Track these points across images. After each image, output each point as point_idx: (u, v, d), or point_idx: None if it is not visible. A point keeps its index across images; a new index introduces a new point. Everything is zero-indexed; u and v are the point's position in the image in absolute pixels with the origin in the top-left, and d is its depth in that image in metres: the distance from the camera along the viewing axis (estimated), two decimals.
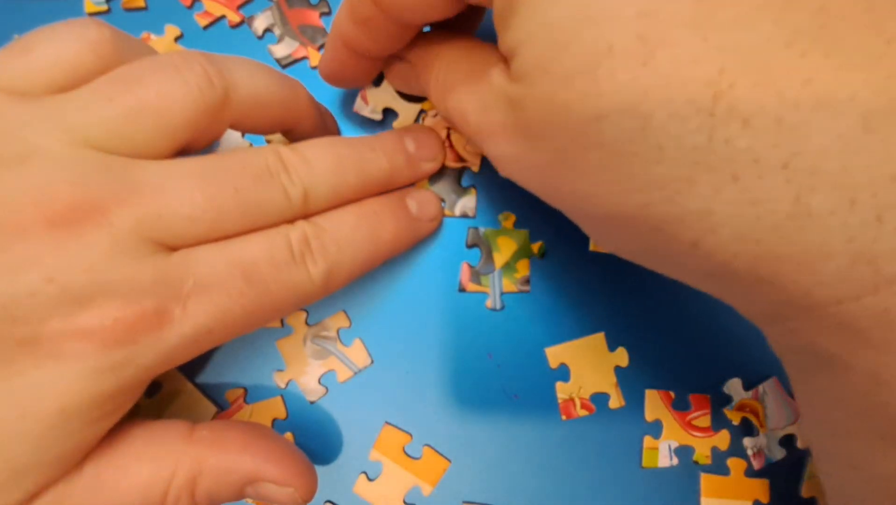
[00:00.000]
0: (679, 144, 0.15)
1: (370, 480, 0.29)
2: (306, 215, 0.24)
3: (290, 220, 0.23)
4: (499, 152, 0.20)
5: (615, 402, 0.30)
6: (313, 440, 0.29)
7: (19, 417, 0.18)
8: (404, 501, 0.29)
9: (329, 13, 0.32)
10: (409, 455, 0.29)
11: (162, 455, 0.21)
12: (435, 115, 0.31)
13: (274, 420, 0.29)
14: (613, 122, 0.15)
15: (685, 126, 0.14)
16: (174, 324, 0.20)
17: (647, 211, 0.16)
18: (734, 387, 0.30)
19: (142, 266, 0.19)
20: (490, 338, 0.30)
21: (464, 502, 0.29)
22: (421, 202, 0.28)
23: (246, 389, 0.30)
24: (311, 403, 0.29)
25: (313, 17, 0.32)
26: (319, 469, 0.29)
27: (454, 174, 0.31)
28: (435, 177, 0.30)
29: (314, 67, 0.32)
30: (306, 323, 0.30)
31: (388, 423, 0.29)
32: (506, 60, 0.19)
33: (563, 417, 0.30)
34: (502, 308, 0.30)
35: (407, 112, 0.31)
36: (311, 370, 0.30)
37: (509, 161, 0.20)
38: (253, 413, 0.29)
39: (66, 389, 0.18)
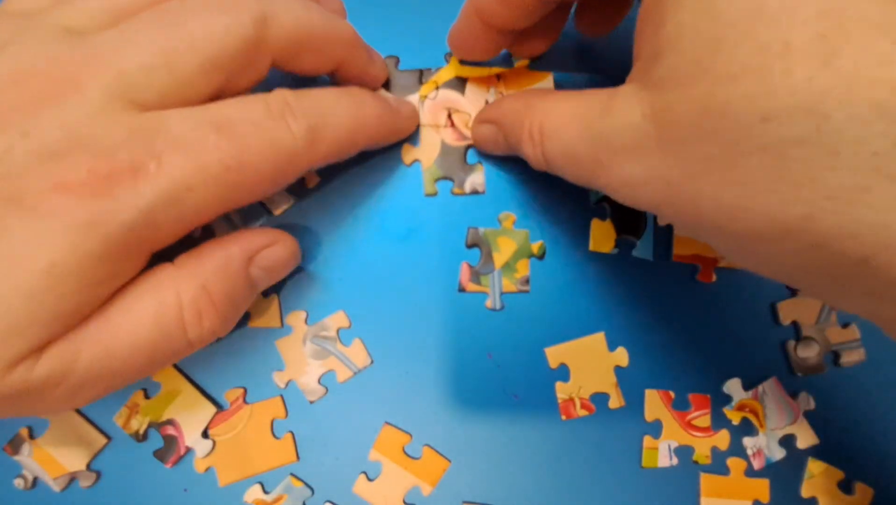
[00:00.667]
0: (858, 150, 0.14)
1: (370, 480, 0.29)
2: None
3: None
4: (624, 176, 0.20)
5: (615, 402, 0.30)
6: (313, 440, 0.29)
7: (9, 273, 0.19)
8: (404, 501, 0.29)
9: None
10: (408, 455, 0.29)
11: (158, 286, 0.22)
12: (435, 98, 0.31)
13: (273, 420, 0.29)
14: (783, 124, 0.14)
15: (867, 129, 0.14)
16: (150, 178, 0.20)
17: (810, 224, 0.15)
18: (734, 387, 0.30)
19: (115, 124, 0.20)
20: (490, 338, 0.30)
21: (464, 502, 0.29)
22: (398, 99, 0.30)
23: (245, 389, 0.29)
24: (311, 402, 0.29)
25: None
26: (320, 469, 0.29)
27: (459, 153, 0.31)
28: (440, 157, 0.31)
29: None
30: (306, 323, 0.30)
31: (387, 423, 0.29)
32: (633, 78, 0.19)
33: (563, 417, 0.29)
34: (502, 308, 0.30)
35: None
36: (310, 370, 0.29)
37: (638, 182, 0.19)
38: (253, 413, 0.29)
39: (52, 245, 0.19)
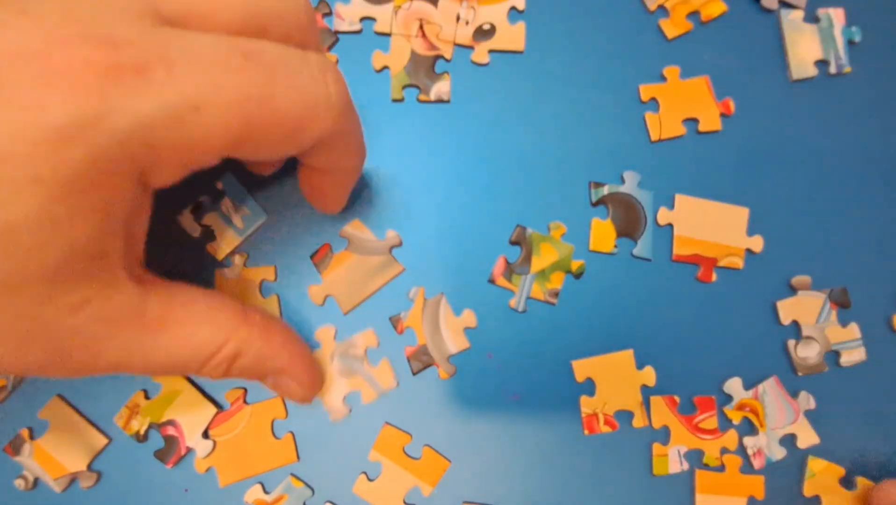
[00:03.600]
0: None
1: (370, 480, 0.29)
2: None
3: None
4: None
5: (639, 420, 0.30)
6: (314, 440, 0.29)
7: None
8: (404, 502, 0.29)
9: (330, 13, 0.33)
10: (409, 455, 0.29)
11: (221, 325, 0.23)
12: (408, 9, 0.32)
13: (274, 420, 0.29)
14: None
15: None
16: (155, 84, 0.17)
17: None
18: (734, 386, 0.30)
19: (127, 19, 0.18)
20: (502, 336, 0.30)
21: (464, 502, 0.29)
22: None
23: (245, 390, 0.29)
24: (333, 421, 0.29)
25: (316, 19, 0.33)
26: (320, 469, 0.29)
27: (428, 62, 0.32)
28: (409, 65, 0.32)
29: None
30: (335, 339, 0.30)
31: (388, 423, 0.29)
32: None
33: (586, 432, 0.29)
34: (524, 311, 0.30)
35: (382, 15, 0.33)
36: (336, 388, 0.29)
37: None
38: (253, 413, 0.29)
39: (34, 150, 0.16)
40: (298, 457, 0.29)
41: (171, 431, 0.29)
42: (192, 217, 0.30)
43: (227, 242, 0.30)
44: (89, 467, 0.29)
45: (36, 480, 0.29)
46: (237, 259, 0.30)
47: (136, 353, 0.21)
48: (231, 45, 0.19)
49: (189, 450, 0.29)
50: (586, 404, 0.30)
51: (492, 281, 0.30)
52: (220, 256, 0.30)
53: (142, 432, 0.29)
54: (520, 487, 0.29)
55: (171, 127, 0.18)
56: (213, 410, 0.29)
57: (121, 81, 0.17)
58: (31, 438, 0.29)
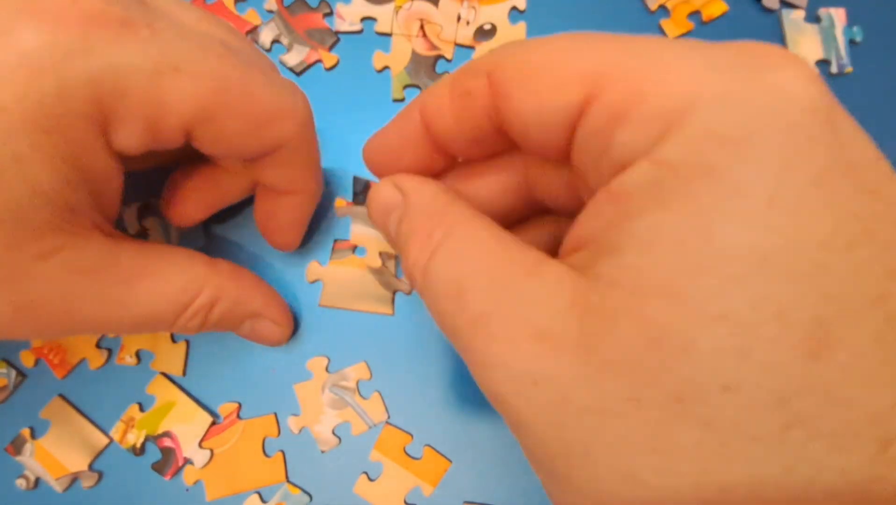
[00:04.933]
0: (816, 477, 0.12)
1: (371, 480, 0.29)
2: None
3: None
4: (507, 363, 0.15)
5: None
6: (314, 440, 0.29)
7: None
8: (405, 502, 0.29)
9: (331, 13, 0.33)
10: (409, 455, 0.29)
11: (194, 274, 0.24)
12: (409, 9, 0.32)
13: (265, 438, 0.29)
14: (745, 404, 0.12)
15: (838, 459, 0.12)
16: (137, 39, 0.18)
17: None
18: None
19: None
20: None
21: (465, 502, 0.29)
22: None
23: (239, 405, 0.29)
24: (323, 452, 0.29)
25: (317, 19, 0.33)
26: (320, 470, 0.29)
27: (429, 62, 0.32)
28: (410, 65, 0.32)
29: (329, 69, 0.32)
30: (327, 370, 0.30)
31: (388, 423, 0.29)
32: (569, 259, 0.16)
33: None
34: None
35: (383, 15, 0.33)
36: (326, 419, 0.29)
37: (521, 380, 0.14)
38: (245, 429, 0.29)
39: (5, 80, 0.16)
40: (287, 477, 0.29)
41: (167, 442, 0.29)
42: (136, 213, 0.30)
43: None
44: (90, 467, 0.29)
45: (37, 480, 0.29)
46: None
47: (112, 306, 0.21)
48: (212, 36, 0.20)
49: (187, 460, 0.29)
50: None
51: None
52: None
53: (138, 445, 0.29)
54: (520, 487, 0.29)
55: (146, 79, 0.18)
56: (208, 419, 0.29)
57: (105, 28, 0.17)
58: (33, 437, 0.29)
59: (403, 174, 0.21)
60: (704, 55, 0.14)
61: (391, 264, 0.30)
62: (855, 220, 0.12)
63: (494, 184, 0.21)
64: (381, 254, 0.30)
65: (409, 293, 0.30)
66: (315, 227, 0.31)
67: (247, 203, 0.30)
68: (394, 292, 0.30)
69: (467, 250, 0.17)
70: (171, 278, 0.23)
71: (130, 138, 0.20)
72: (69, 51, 0.17)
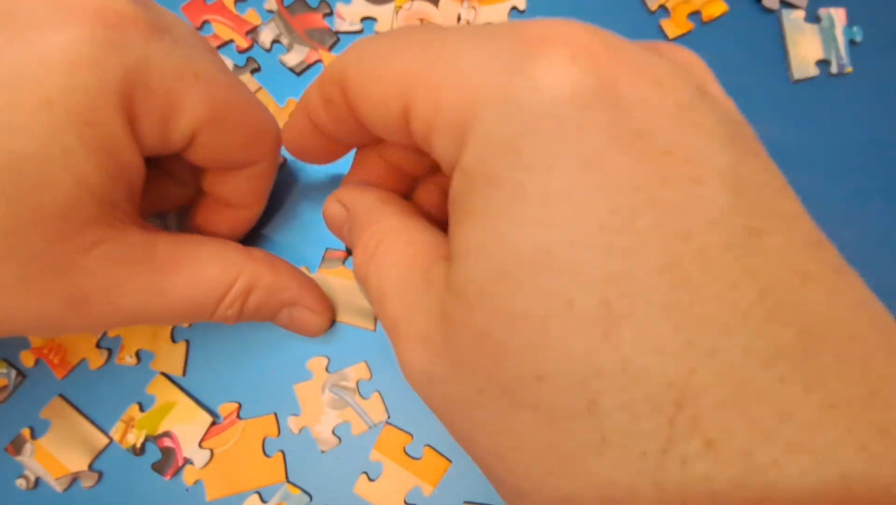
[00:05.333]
0: (626, 443, 0.13)
1: (371, 480, 0.29)
2: None
3: None
4: (409, 362, 0.17)
5: None
6: (314, 440, 0.29)
7: (6, 107, 0.17)
8: (405, 502, 0.29)
9: (331, 13, 0.33)
10: (409, 455, 0.29)
11: (229, 262, 0.24)
12: (409, 9, 0.32)
13: (265, 438, 0.29)
14: (555, 389, 0.13)
15: (637, 424, 0.12)
16: (164, 42, 0.19)
17: None
18: None
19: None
20: None
21: (465, 502, 0.29)
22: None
23: (240, 405, 0.29)
24: (323, 452, 0.29)
25: (317, 19, 0.33)
26: (320, 470, 0.29)
27: None
28: None
29: None
30: (327, 370, 0.30)
31: (388, 423, 0.29)
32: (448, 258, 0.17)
33: None
34: None
35: (383, 15, 0.33)
36: (326, 419, 0.29)
37: (420, 378, 0.17)
38: (245, 429, 0.29)
39: (47, 72, 0.17)
40: (287, 477, 0.29)
41: (167, 442, 0.29)
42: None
43: None
44: (90, 467, 0.29)
45: (37, 480, 0.29)
46: None
47: (153, 296, 0.22)
48: (216, 52, 0.23)
49: (187, 460, 0.29)
50: None
51: None
52: None
53: (138, 445, 0.29)
54: None
55: (170, 80, 0.19)
56: (208, 419, 0.29)
57: (137, 28, 0.18)
58: (33, 437, 0.29)
59: (347, 188, 0.24)
60: (489, 51, 0.15)
61: None
62: (634, 191, 0.13)
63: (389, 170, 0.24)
64: None
65: None
66: (308, 235, 0.31)
67: None
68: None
69: (389, 261, 0.19)
70: (208, 266, 0.23)
71: (146, 136, 0.20)
72: (107, 46, 0.18)
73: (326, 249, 0.30)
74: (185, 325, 0.30)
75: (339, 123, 0.21)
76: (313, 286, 0.28)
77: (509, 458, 0.15)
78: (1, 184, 0.17)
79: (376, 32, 0.33)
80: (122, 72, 0.18)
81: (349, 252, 0.30)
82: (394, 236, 0.20)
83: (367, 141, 0.23)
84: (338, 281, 0.30)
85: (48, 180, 0.18)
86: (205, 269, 0.23)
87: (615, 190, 0.13)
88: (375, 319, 0.30)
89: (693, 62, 0.17)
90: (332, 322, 0.30)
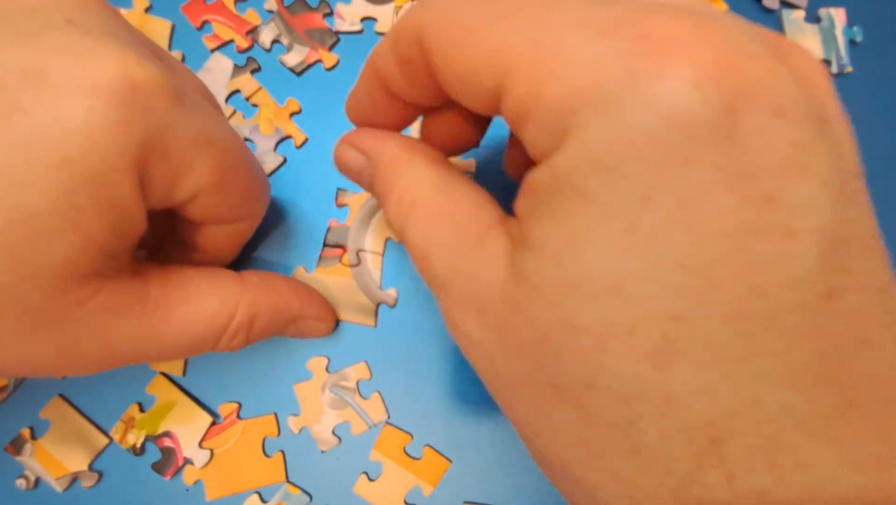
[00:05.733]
0: (655, 459, 0.14)
1: (371, 480, 0.29)
2: None
3: None
4: (460, 327, 0.18)
5: None
6: (315, 440, 0.29)
7: (24, 164, 0.17)
8: (405, 502, 0.29)
9: (331, 13, 0.33)
10: (409, 455, 0.29)
11: (225, 295, 0.24)
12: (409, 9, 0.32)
13: (265, 438, 0.29)
14: (600, 399, 0.14)
15: (669, 448, 0.14)
16: (184, 110, 0.20)
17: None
18: None
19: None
20: None
21: (465, 502, 0.29)
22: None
23: (240, 405, 0.29)
24: (323, 452, 0.29)
25: (317, 19, 0.33)
26: (320, 470, 0.29)
27: None
28: None
29: (329, 69, 0.32)
30: (327, 370, 0.30)
31: (388, 423, 0.29)
32: (511, 227, 0.17)
33: None
34: None
35: (383, 15, 0.33)
36: (326, 419, 0.29)
37: (469, 339, 0.18)
38: (245, 429, 0.29)
39: (70, 134, 0.17)
40: (287, 477, 0.29)
41: (167, 442, 0.29)
42: None
43: None
44: (91, 467, 0.29)
45: (37, 480, 0.29)
46: None
47: (148, 340, 0.22)
48: (222, 111, 0.23)
49: (187, 460, 0.29)
50: None
51: None
52: None
53: (138, 446, 0.29)
54: (520, 487, 0.29)
55: (185, 145, 0.20)
56: (208, 419, 0.29)
57: (164, 96, 0.19)
58: (33, 437, 0.29)
59: (363, 132, 0.23)
60: (603, 47, 0.14)
61: (369, 260, 0.30)
62: (724, 237, 0.13)
63: (462, 119, 0.23)
64: (358, 253, 0.30)
65: (392, 306, 0.30)
66: (305, 234, 0.31)
67: None
68: (378, 304, 0.30)
69: (430, 219, 0.19)
70: (204, 303, 0.23)
71: (154, 195, 0.21)
72: (132, 111, 0.18)
73: (323, 249, 0.31)
74: (192, 356, 0.30)
75: (417, 86, 0.20)
76: (313, 295, 0.28)
77: (544, 436, 0.16)
78: (6, 240, 0.17)
79: (376, 33, 0.33)
80: (142, 137, 0.18)
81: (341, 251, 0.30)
82: (431, 192, 0.20)
83: (443, 104, 0.21)
84: (336, 280, 0.30)
85: (56, 237, 0.18)
86: (200, 306, 0.23)
87: (705, 234, 0.13)
88: (376, 316, 0.30)
89: (815, 75, 0.16)
90: (337, 322, 0.30)
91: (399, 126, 0.23)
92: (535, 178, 0.16)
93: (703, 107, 0.13)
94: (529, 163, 0.21)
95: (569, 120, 0.14)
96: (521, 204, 0.17)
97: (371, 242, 0.30)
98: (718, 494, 0.13)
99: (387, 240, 0.30)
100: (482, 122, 0.23)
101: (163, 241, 0.27)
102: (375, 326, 0.30)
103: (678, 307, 0.13)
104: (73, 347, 0.20)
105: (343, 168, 0.24)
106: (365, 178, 0.23)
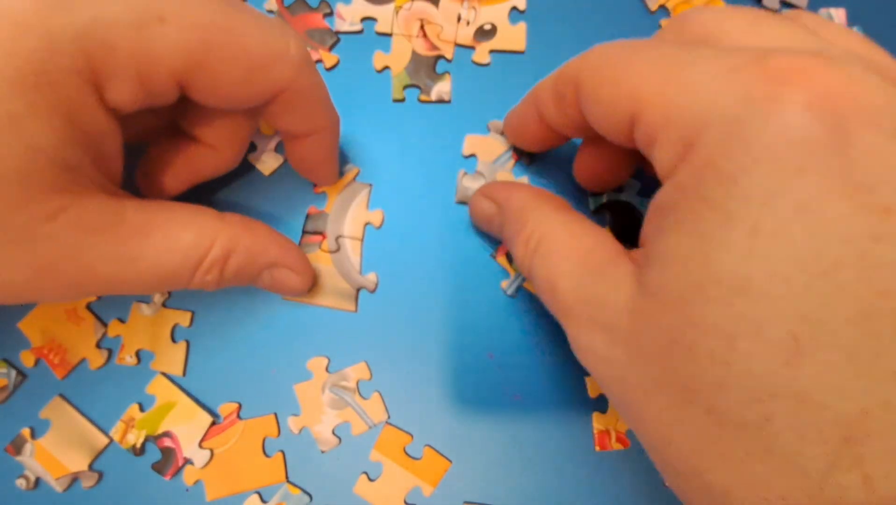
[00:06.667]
0: (790, 459, 0.14)
1: (371, 480, 0.29)
2: None
3: None
4: (586, 342, 0.20)
5: None
6: (314, 440, 0.29)
7: None
8: (405, 502, 0.29)
9: (331, 13, 0.33)
10: (409, 455, 0.29)
11: (203, 227, 0.23)
12: (409, 9, 0.32)
13: (265, 438, 0.29)
14: (732, 399, 0.15)
15: (803, 447, 0.14)
16: None
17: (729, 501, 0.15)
18: None
19: None
20: (494, 325, 0.30)
21: (465, 503, 0.29)
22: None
23: (240, 405, 0.29)
24: (323, 452, 0.29)
25: (317, 19, 0.33)
26: (320, 470, 0.29)
27: (429, 62, 0.32)
28: (410, 65, 0.32)
29: (329, 69, 0.32)
30: (327, 370, 0.30)
31: (388, 423, 0.29)
32: (635, 255, 0.19)
33: (597, 448, 0.29)
34: (513, 296, 0.30)
35: (383, 15, 0.33)
36: (326, 419, 0.29)
37: (597, 357, 0.19)
38: (245, 429, 0.29)
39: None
40: (287, 477, 0.29)
41: (167, 442, 0.29)
42: None
43: None
44: (91, 467, 0.29)
45: (37, 480, 0.29)
46: (157, 297, 0.30)
47: (124, 264, 0.21)
48: None
49: (187, 460, 0.29)
50: (598, 421, 0.29)
51: (493, 256, 0.30)
52: None
53: (138, 445, 0.29)
54: (520, 488, 0.29)
55: (132, 31, 0.19)
56: (208, 419, 0.29)
57: None
58: (33, 437, 0.29)
59: (494, 185, 0.27)
60: (727, 79, 0.15)
61: (348, 246, 0.30)
62: (844, 242, 0.13)
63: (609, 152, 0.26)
64: (337, 239, 0.30)
65: (373, 291, 0.30)
66: (284, 219, 0.31)
67: (223, 185, 0.31)
68: (357, 289, 0.30)
69: (556, 255, 0.22)
70: (182, 232, 0.23)
71: (123, 94, 0.20)
72: (53, 6, 0.17)
73: (302, 235, 0.30)
74: (163, 293, 0.30)
75: (565, 117, 0.23)
76: (293, 247, 0.27)
77: (675, 443, 0.17)
78: None
79: (376, 33, 0.33)
80: (72, 32, 0.17)
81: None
82: (556, 233, 0.22)
83: (583, 136, 0.26)
84: (316, 266, 0.30)
85: None
86: (177, 234, 0.22)
87: (825, 237, 0.14)
88: (356, 301, 0.30)
89: None
90: (314, 282, 0.29)
91: (543, 147, 0.28)
92: (660, 197, 0.17)
93: (813, 124, 0.14)
94: (599, 167, 0.27)
95: (692, 138, 0.16)
96: (647, 227, 0.18)
97: (350, 228, 0.30)
98: (855, 495, 0.13)
99: (365, 225, 0.30)
100: (625, 158, 0.26)
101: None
102: (356, 310, 0.30)
103: (804, 307, 0.14)
104: (49, 266, 0.20)
105: (477, 215, 0.28)
106: (496, 224, 0.26)
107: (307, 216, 0.31)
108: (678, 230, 0.16)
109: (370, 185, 0.31)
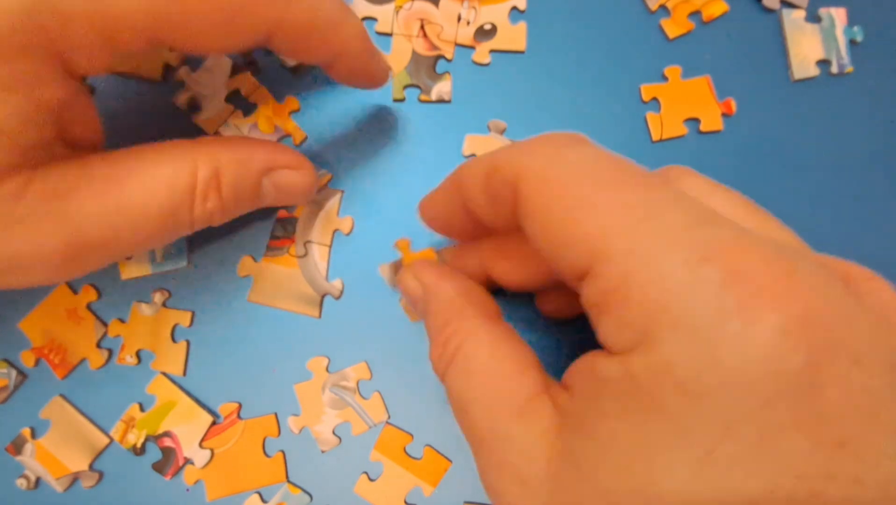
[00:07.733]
0: None
1: (371, 480, 0.29)
2: None
3: None
4: (501, 492, 0.18)
5: None
6: (315, 440, 0.29)
7: None
8: (405, 502, 0.29)
9: None
10: (410, 455, 0.29)
11: (178, 156, 0.22)
12: (409, 9, 0.32)
13: (266, 438, 0.29)
14: None
15: None
16: None
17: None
18: None
19: None
20: None
21: (465, 503, 0.29)
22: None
23: (240, 405, 0.29)
24: (323, 452, 0.29)
25: None
26: (321, 470, 0.29)
27: (429, 62, 0.32)
28: (410, 65, 0.32)
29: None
30: (327, 370, 0.30)
31: (388, 423, 0.29)
32: (557, 397, 0.18)
33: None
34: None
35: (383, 15, 0.33)
36: (326, 419, 0.29)
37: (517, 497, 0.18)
38: (245, 429, 0.29)
39: None
40: (288, 476, 0.29)
41: (167, 442, 0.29)
42: None
43: (138, 267, 0.30)
44: (91, 467, 0.29)
45: (38, 480, 0.29)
46: (157, 297, 0.30)
47: (113, 217, 0.21)
48: None
49: (187, 460, 0.29)
50: None
51: None
52: (124, 276, 0.30)
53: (138, 445, 0.29)
54: None
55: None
56: (209, 419, 0.29)
57: None
58: (33, 437, 0.29)
59: (426, 267, 0.25)
60: (696, 274, 0.14)
61: (315, 252, 0.30)
62: (798, 478, 0.13)
63: (524, 261, 0.23)
64: (305, 244, 0.30)
65: (338, 297, 0.30)
66: (253, 223, 0.30)
67: None
68: (323, 295, 0.30)
69: (470, 371, 0.20)
70: (156, 169, 0.21)
71: (91, 59, 0.19)
72: None
73: (271, 238, 0.30)
74: (164, 293, 0.30)
75: (499, 217, 0.20)
76: (278, 145, 0.25)
77: None
78: None
79: (376, 33, 0.33)
80: (21, 9, 0.17)
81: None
82: (475, 343, 0.20)
83: (513, 229, 0.21)
84: (282, 270, 0.30)
85: None
86: (153, 171, 0.21)
87: (779, 472, 0.13)
88: (320, 307, 0.30)
89: (890, 308, 0.17)
90: (316, 178, 0.27)
91: (467, 236, 0.25)
92: (604, 367, 0.16)
93: (790, 355, 0.13)
94: (563, 304, 0.25)
95: (654, 331, 0.14)
96: (579, 382, 0.17)
97: (318, 234, 0.30)
98: None
99: (334, 231, 0.30)
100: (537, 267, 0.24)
101: None
102: (319, 316, 0.30)
103: None
104: (37, 243, 0.19)
105: (404, 292, 0.26)
106: (419, 308, 0.24)
107: (276, 219, 0.31)
108: (624, 421, 0.15)
109: (342, 190, 0.31)
